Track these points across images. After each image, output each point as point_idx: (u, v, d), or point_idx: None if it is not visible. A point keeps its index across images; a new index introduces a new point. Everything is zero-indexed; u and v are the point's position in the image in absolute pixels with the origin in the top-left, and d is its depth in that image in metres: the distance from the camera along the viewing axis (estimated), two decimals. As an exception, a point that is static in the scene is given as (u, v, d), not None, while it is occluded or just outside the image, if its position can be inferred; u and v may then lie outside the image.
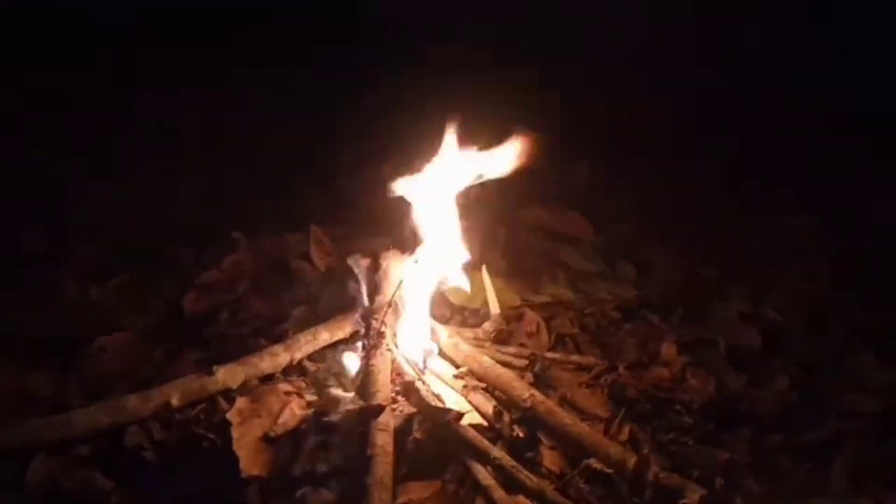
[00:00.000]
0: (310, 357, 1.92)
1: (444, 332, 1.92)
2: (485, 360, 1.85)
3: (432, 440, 1.64)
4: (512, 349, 2.01)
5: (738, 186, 3.07)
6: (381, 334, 1.75)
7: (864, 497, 1.61)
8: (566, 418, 1.71)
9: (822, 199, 2.90)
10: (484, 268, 2.15)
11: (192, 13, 3.31)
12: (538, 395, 1.75)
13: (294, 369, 1.87)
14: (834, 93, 3.25)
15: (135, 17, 3.32)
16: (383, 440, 1.53)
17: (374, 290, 1.88)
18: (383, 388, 1.65)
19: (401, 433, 1.61)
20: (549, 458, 1.67)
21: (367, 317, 1.83)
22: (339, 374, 1.84)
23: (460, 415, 1.64)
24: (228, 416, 1.57)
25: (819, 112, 3.21)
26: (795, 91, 3.27)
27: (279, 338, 1.97)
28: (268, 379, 1.82)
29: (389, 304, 1.79)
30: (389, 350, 1.75)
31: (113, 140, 2.92)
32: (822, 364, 2.09)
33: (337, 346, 1.96)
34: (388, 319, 1.79)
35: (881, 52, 3.17)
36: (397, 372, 1.75)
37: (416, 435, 1.63)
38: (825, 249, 2.67)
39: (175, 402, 1.63)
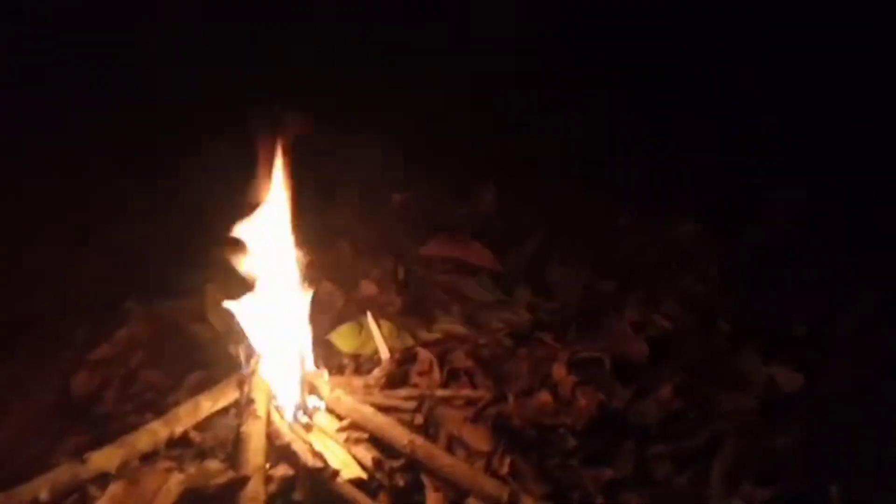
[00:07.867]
0: (197, 427, 1.91)
1: (326, 386, 1.92)
2: (366, 410, 1.85)
3: (314, 501, 1.64)
4: (402, 392, 2.01)
5: (634, 200, 3.14)
6: (250, 400, 1.75)
7: (735, 498, 1.64)
8: (445, 459, 1.72)
9: (711, 204, 2.99)
10: (369, 314, 2.17)
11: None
12: (418, 440, 1.75)
13: (179, 442, 1.85)
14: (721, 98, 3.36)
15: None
16: (253, 510, 1.52)
17: (250, 352, 1.88)
18: (255, 456, 1.65)
19: (280, 498, 1.61)
20: (434, 502, 1.68)
21: (242, 382, 1.83)
22: (225, 443, 1.83)
23: (336, 472, 1.64)
24: (97, 505, 1.55)
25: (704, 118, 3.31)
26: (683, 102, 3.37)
27: (170, 409, 1.95)
28: (152, 455, 1.80)
29: (254, 370, 1.79)
30: (266, 413, 1.75)
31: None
32: (707, 367, 2.14)
33: (227, 411, 1.95)
34: (262, 383, 1.79)
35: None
36: (276, 435, 1.74)
37: (297, 497, 1.63)
38: (714, 253, 2.75)
39: (44, 496, 1.59)
